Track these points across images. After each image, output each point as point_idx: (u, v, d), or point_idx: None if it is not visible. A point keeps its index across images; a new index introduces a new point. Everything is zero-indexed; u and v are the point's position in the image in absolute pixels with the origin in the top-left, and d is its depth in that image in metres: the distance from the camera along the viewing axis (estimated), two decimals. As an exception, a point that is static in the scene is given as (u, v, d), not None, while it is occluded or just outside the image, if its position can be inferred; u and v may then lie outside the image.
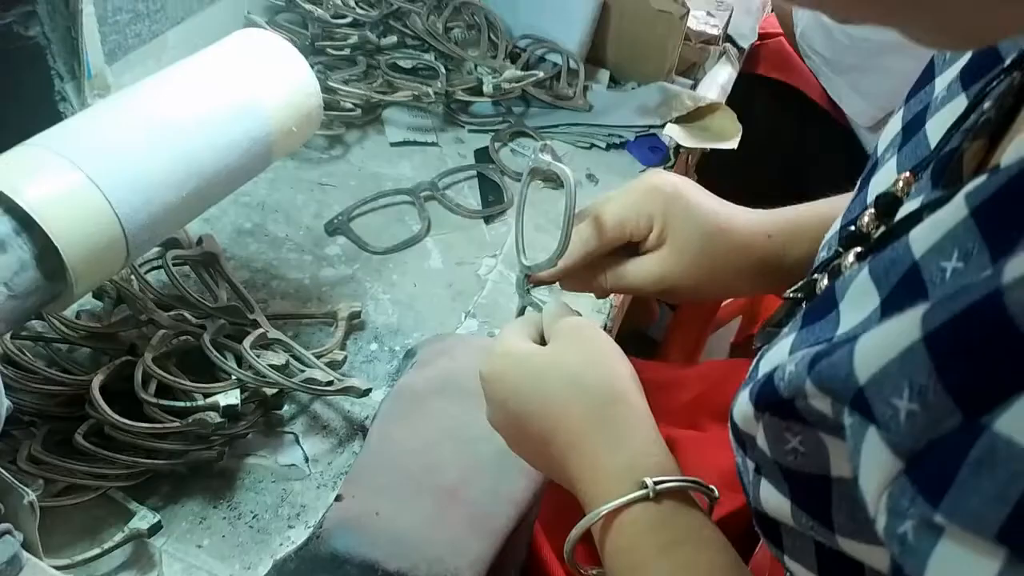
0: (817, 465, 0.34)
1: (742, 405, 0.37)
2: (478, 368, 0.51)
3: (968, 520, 0.24)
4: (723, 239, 0.54)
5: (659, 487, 0.42)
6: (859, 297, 0.33)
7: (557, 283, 0.57)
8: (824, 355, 0.31)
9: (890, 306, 0.31)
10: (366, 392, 0.62)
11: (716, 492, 0.45)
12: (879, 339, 0.28)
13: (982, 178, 0.28)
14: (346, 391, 0.61)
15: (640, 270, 0.55)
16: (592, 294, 0.59)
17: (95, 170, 0.46)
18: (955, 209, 0.29)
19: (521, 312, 0.57)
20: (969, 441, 0.24)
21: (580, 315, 0.52)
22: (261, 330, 0.64)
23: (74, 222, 0.44)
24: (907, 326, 0.27)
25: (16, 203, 0.43)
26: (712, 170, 1.06)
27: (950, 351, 0.25)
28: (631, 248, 0.56)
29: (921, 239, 0.30)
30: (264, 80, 0.57)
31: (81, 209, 0.45)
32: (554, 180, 0.88)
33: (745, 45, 1.13)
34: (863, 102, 1.15)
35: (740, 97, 1.06)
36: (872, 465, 0.28)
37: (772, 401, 0.34)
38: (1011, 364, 0.24)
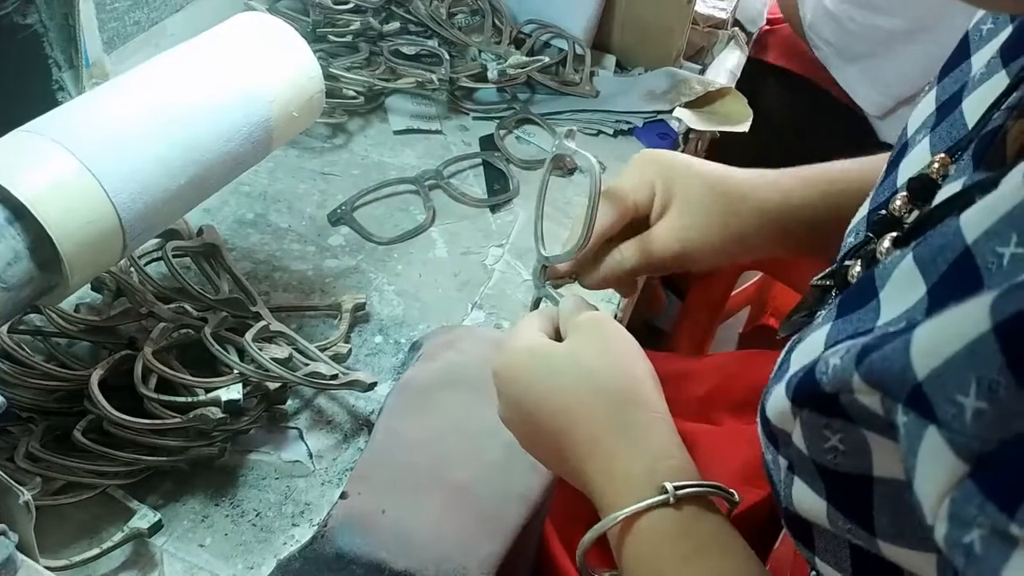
0: (859, 465, 0.32)
1: (777, 400, 0.35)
2: (490, 363, 0.49)
3: None
4: (726, 187, 0.53)
5: (680, 492, 0.40)
6: (902, 285, 0.31)
7: (575, 281, 0.55)
8: (874, 348, 0.29)
9: (939, 294, 0.29)
10: (372, 386, 0.60)
11: (737, 496, 0.43)
12: (940, 330, 0.26)
13: None
14: (351, 385, 0.60)
15: (655, 241, 0.53)
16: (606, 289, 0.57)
17: (90, 157, 0.44)
18: (1012, 190, 0.27)
19: (536, 305, 0.55)
20: None
21: (597, 309, 0.50)
22: (263, 323, 0.62)
23: (69, 211, 0.43)
24: (973, 316, 0.25)
25: (9, 192, 0.41)
26: (721, 158, 1.04)
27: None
28: (641, 228, 0.55)
29: (974, 223, 0.28)
30: (265, 64, 0.55)
31: (76, 198, 0.43)
32: (562, 168, 0.86)
33: (753, 29, 1.11)
34: (874, 91, 1.13)
35: (749, 83, 1.04)
36: (931, 468, 0.26)
37: (813, 396, 0.32)
38: None
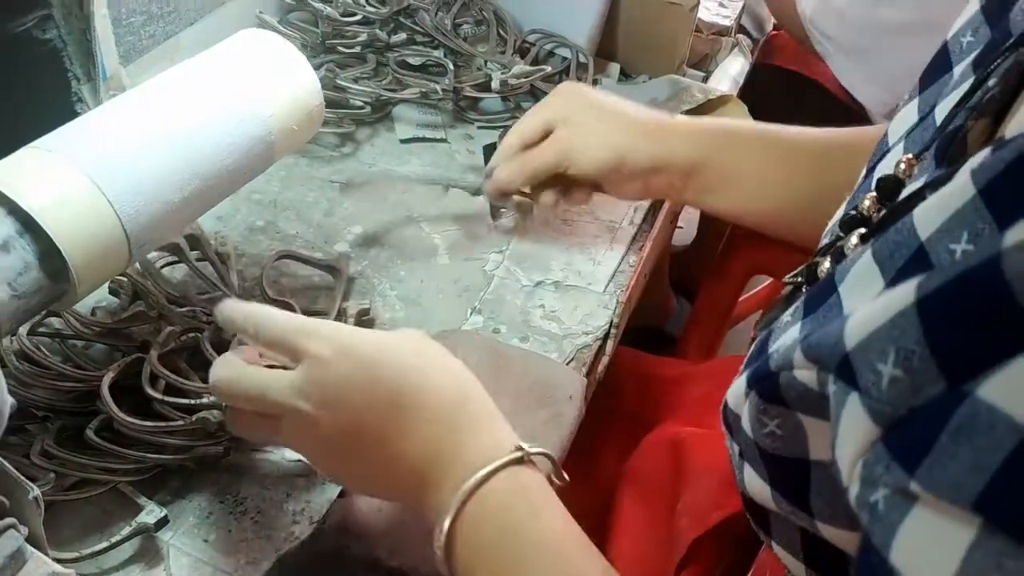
0: (795, 449, 0.33)
1: (737, 385, 0.36)
2: (486, 367, 0.51)
3: (944, 488, 0.23)
4: (616, 105, 0.73)
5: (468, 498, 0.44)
6: (861, 281, 0.33)
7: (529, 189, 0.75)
8: (818, 328, 0.30)
9: None
10: None
11: (530, 447, 0.45)
12: (871, 310, 0.27)
13: (986, 153, 0.27)
14: None
15: (553, 141, 0.72)
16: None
17: (97, 172, 0.47)
18: (961, 187, 0.28)
19: (494, 213, 0.82)
20: (951, 408, 0.23)
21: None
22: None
23: (76, 224, 0.45)
24: (902, 294, 0.26)
25: (19, 205, 0.44)
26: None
27: (941, 316, 0.25)
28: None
29: (926, 220, 0.29)
30: (264, 79, 0.57)
31: (83, 211, 0.46)
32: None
33: (760, 35, 1.12)
34: (874, 87, 1.12)
35: (755, 88, 1.05)
36: (850, 433, 0.27)
37: (760, 376, 0.34)
38: (1002, 330, 0.23)
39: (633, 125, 0.71)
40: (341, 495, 0.58)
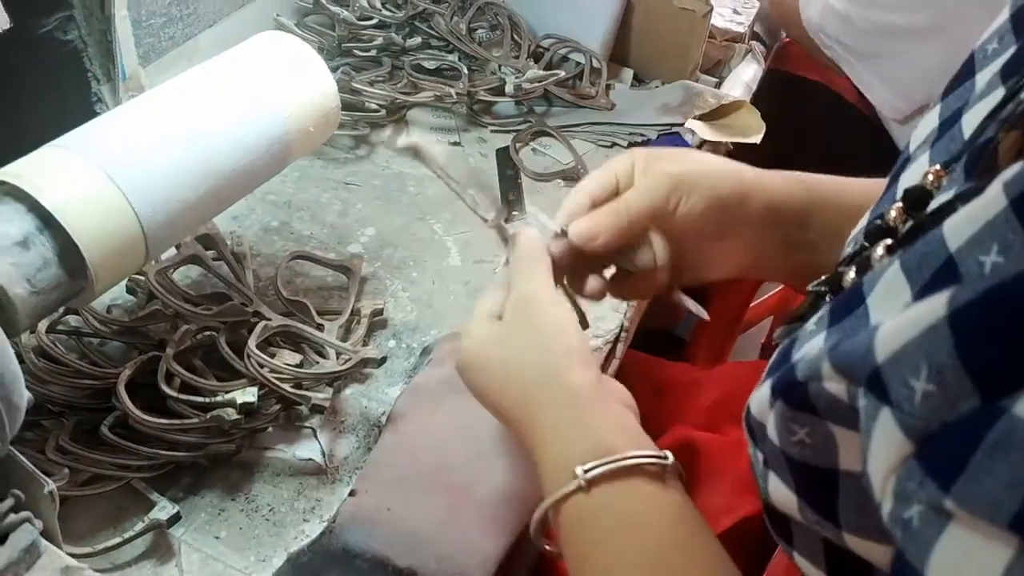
0: (824, 458, 0.33)
1: (761, 393, 0.36)
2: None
3: (980, 506, 0.23)
4: (694, 163, 0.54)
5: (590, 474, 0.42)
6: (889, 291, 0.32)
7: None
8: (847, 339, 0.30)
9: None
10: (382, 361, 0.63)
11: (670, 458, 0.44)
12: (902, 322, 0.27)
13: (1019, 165, 0.27)
14: (363, 364, 0.63)
15: (619, 201, 0.54)
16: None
17: (115, 170, 0.47)
18: (993, 200, 0.27)
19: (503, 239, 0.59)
20: (986, 424, 0.23)
21: (534, 284, 0.51)
22: (266, 321, 0.65)
23: (95, 221, 0.46)
24: (933, 307, 0.26)
25: (39, 202, 0.45)
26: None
27: (973, 330, 0.24)
28: None
29: (956, 231, 0.29)
30: (282, 81, 0.58)
31: (101, 208, 0.47)
32: (574, 179, 0.88)
33: (773, 42, 1.12)
34: (886, 90, 1.11)
35: (769, 94, 1.05)
36: (882, 448, 0.27)
37: (787, 385, 0.33)
38: None
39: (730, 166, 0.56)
40: (351, 494, 0.59)
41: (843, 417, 0.31)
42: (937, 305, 0.26)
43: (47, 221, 0.45)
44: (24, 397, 0.41)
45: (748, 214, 0.54)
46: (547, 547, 0.47)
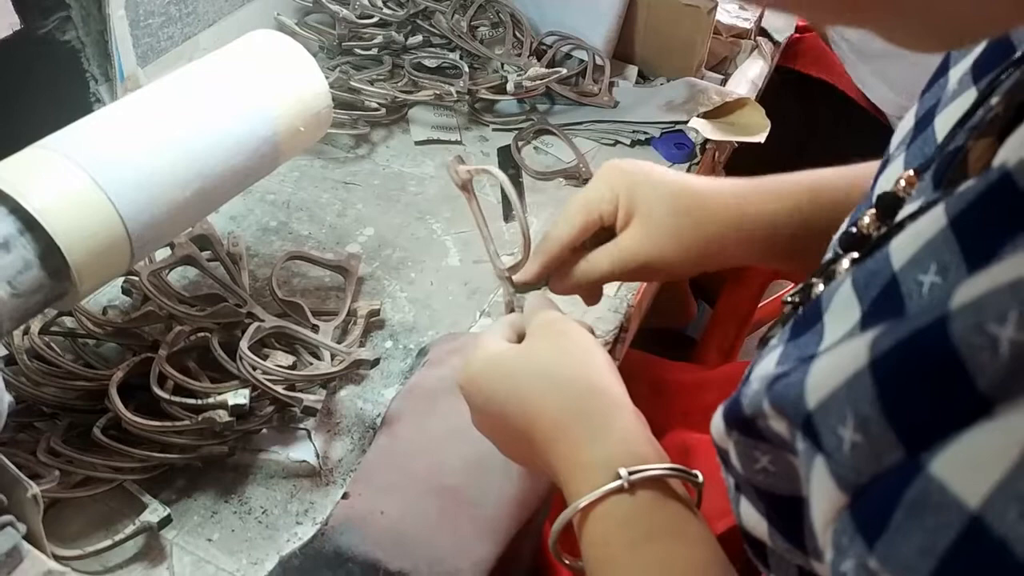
0: (788, 486, 0.32)
1: (716, 420, 0.35)
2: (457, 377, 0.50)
3: (898, 568, 0.22)
4: (685, 195, 0.53)
5: (633, 477, 0.40)
6: (843, 309, 0.31)
7: (546, 287, 0.57)
8: (784, 375, 0.29)
9: (870, 320, 0.29)
10: (375, 362, 0.63)
11: (700, 477, 0.43)
12: (831, 362, 0.26)
13: (967, 183, 0.26)
14: (356, 365, 0.62)
15: (621, 251, 0.54)
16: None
17: (99, 171, 0.47)
18: (935, 218, 0.27)
19: (510, 308, 0.57)
20: (906, 480, 0.23)
21: (559, 310, 0.51)
22: (259, 322, 0.65)
23: (77, 223, 0.46)
24: (856, 351, 0.25)
25: (20, 204, 0.44)
26: (741, 168, 1.04)
27: (894, 380, 0.24)
28: (609, 236, 0.55)
29: (901, 249, 0.28)
30: (271, 80, 0.57)
31: (84, 210, 0.46)
32: (576, 178, 0.87)
33: (780, 39, 1.10)
34: (889, 91, 1.11)
35: (775, 92, 1.04)
36: (820, 496, 0.26)
37: (738, 419, 0.33)
38: (952, 398, 0.22)
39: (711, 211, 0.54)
40: (344, 496, 0.58)
41: (793, 450, 0.30)
42: (860, 350, 0.25)
43: (29, 223, 0.45)
44: (5, 401, 0.40)
45: (741, 245, 0.54)
46: (565, 559, 0.46)
